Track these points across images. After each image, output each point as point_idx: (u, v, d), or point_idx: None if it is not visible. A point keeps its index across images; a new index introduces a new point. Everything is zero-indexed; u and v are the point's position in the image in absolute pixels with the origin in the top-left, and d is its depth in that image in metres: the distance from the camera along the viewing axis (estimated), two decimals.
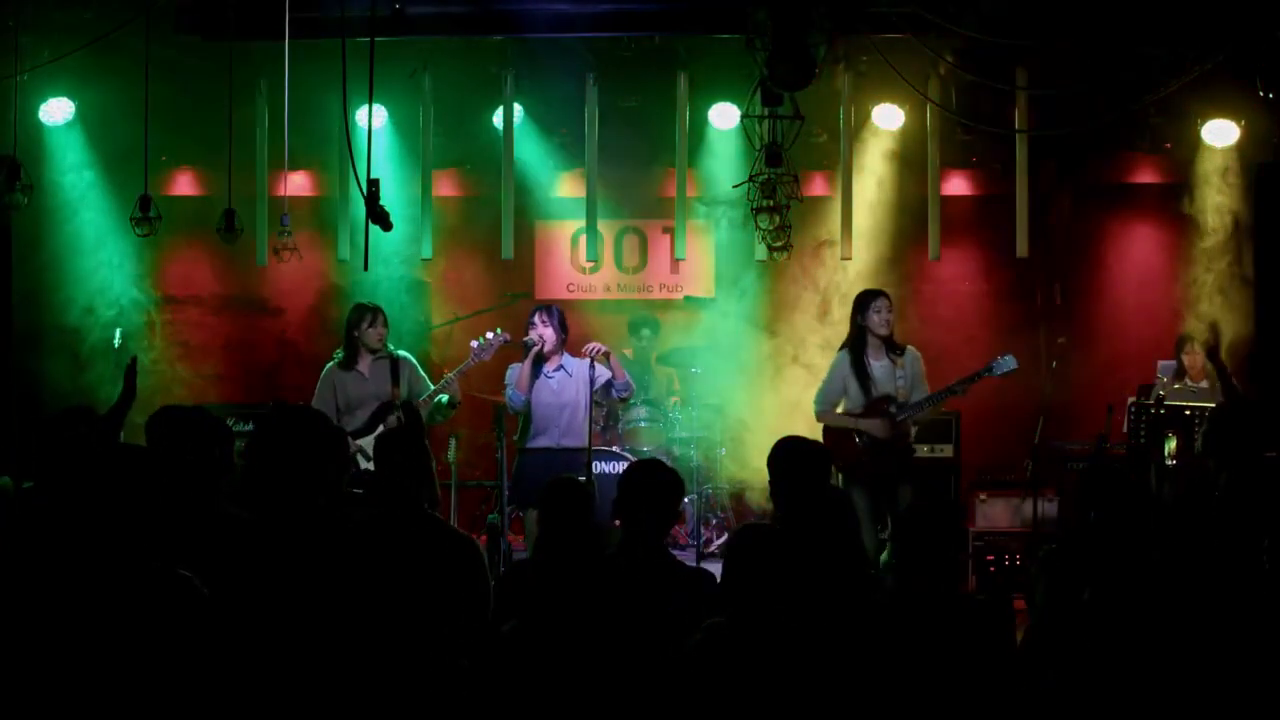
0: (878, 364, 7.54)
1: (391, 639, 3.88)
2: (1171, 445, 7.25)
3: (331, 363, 7.84)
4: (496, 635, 3.81)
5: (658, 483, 4.48)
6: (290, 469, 4.13)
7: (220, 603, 3.52)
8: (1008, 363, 7.50)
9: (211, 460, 4.33)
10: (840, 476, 7.63)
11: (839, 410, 7.61)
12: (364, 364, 7.77)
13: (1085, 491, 4.69)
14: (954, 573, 4.22)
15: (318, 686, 3.76)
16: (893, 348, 7.55)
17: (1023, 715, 4.09)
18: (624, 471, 4.70)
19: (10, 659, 3.32)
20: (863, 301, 7.62)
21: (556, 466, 7.08)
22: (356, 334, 7.76)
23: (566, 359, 7.78)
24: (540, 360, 7.76)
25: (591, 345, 7.75)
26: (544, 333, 7.75)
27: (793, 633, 3.71)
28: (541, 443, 7.73)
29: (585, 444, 7.61)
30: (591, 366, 7.68)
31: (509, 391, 7.85)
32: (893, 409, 7.43)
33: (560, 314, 7.89)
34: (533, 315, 7.85)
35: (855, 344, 7.57)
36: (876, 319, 7.52)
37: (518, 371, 7.80)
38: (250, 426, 7.98)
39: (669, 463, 9.01)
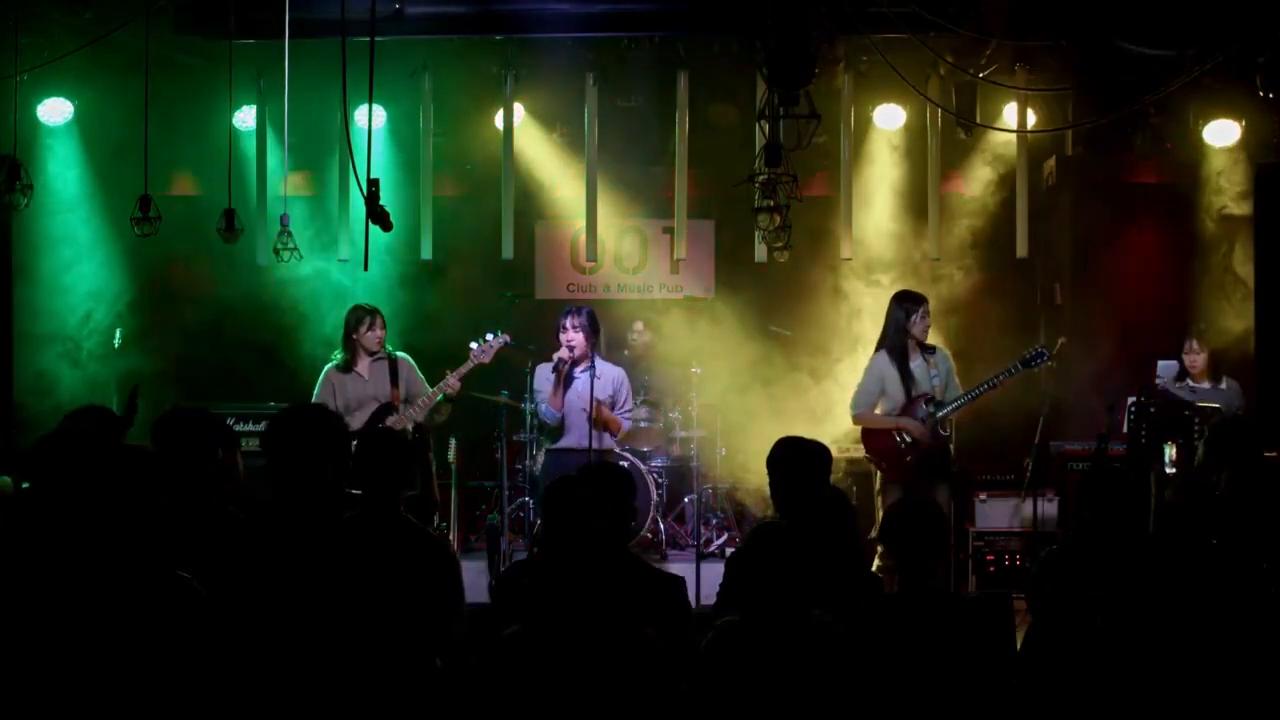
0: (914, 364, 7.62)
1: (363, 638, 3.88)
2: (1172, 452, 7.28)
3: (330, 364, 7.84)
4: (498, 639, 3.80)
5: (612, 482, 4.56)
6: (293, 467, 4.12)
7: (218, 603, 3.52)
8: (1042, 355, 7.56)
9: (215, 462, 4.32)
10: (878, 476, 7.69)
11: (877, 411, 7.65)
12: (363, 365, 7.76)
13: (1084, 493, 4.69)
14: (937, 569, 4.22)
15: (301, 685, 3.76)
16: (925, 348, 7.64)
17: (1023, 715, 4.08)
18: (577, 473, 4.71)
19: (9, 658, 3.32)
20: (907, 306, 7.64)
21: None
22: (355, 335, 7.76)
23: (597, 361, 7.74)
24: (571, 366, 7.77)
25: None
26: (574, 339, 7.74)
27: (805, 631, 3.71)
28: (566, 443, 7.75)
29: (610, 446, 7.79)
30: (592, 366, 7.67)
31: (542, 407, 7.84)
32: (931, 407, 7.49)
33: (590, 314, 7.87)
34: (562, 319, 7.83)
35: (895, 346, 7.60)
36: (921, 325, 7.60)
37: (547, 381, 7.78)
38: (250, 427, 7.98)
39: (668, 462, 9.13)
